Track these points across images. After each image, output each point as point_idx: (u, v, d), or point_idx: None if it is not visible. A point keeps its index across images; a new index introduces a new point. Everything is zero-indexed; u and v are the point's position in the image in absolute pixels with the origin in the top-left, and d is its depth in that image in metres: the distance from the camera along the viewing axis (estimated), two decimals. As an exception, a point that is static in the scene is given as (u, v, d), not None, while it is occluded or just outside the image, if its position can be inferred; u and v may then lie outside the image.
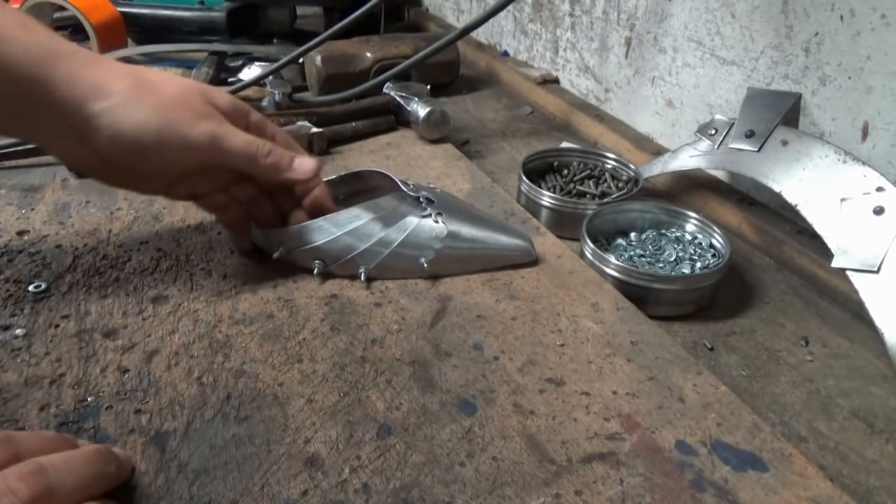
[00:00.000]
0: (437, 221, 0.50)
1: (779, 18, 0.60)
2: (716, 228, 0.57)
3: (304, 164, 0.48)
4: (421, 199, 0.51)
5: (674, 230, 0.60)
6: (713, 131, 0.63)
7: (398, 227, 0.49)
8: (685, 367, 0.42)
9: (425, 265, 0.49)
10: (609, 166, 0.69)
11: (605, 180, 0.68)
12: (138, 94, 0.41)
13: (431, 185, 0.57)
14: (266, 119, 0.50)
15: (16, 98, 0.39)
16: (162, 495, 0.32)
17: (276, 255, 0.48)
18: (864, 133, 0.55)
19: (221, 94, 0.46)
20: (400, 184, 0.52)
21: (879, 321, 0.46)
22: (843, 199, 0.51)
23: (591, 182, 0.68)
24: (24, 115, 0.40)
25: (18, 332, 0.42)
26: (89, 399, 0.38)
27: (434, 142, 0.75)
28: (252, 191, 0.49)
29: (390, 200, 0.51)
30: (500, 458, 0.35)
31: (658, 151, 0.74)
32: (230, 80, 0.91)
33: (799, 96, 0.59)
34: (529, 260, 0.53)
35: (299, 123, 0.72)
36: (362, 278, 0.49)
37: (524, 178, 0.64)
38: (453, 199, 0.55)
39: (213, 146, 0.43)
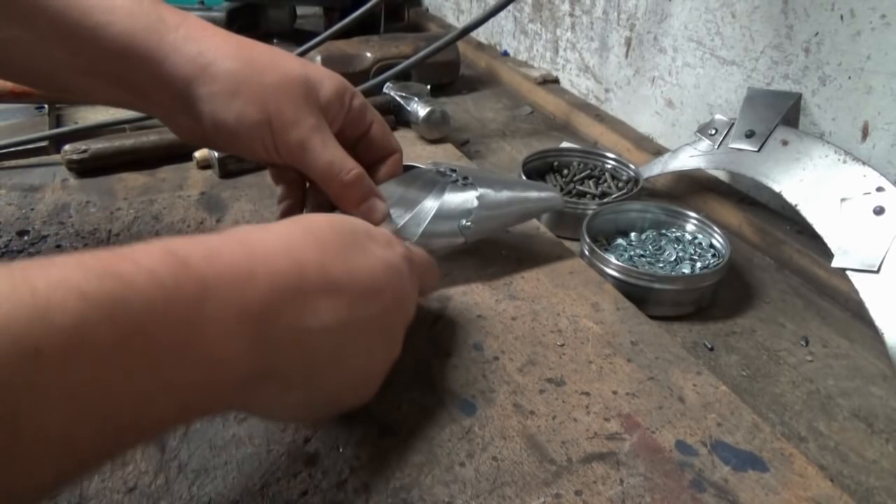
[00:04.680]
0: (466, 185, 0.49)
1: (779, 18, 0.60)
2: (716, 228, 0.57)
3: (372, 210, 0.45)
4: (445, 171, 0.51)
5: (674, 230, 0.60)
6: (713, 131, 0.63)
7: (433, 196, 0.48)
8: (685, 367, 0.42)
9: (468, 224, 0.47)
10: (609, 166, 0.69)
11: (605, 180, 0.68)
12: (241, 81, 0.40)
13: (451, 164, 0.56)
14: (367, 105, 0.48)
15: (127, 71, 0.39)
16: (162, 495, 0.32)
17: None
18: (865, 133, 0.55)
19: (326, 82, 0.44)
20: (423, 167, 0.51)
21: (879, 321, 0.46)
22: (843, 199, 0.51)
23: (591, 182, 0.68)
24: (137, 88, 0.41)
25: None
26: (89, 399, 0.37)
27: (434, 142, 0.75)
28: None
29: (418, 174, 0.50)
30: (500, 458, 0.35)
31: (658, 151, 0.74)
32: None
33: (799, 96, 0.59)
34: (560, 207, 0.54)
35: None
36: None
37: (524, 178, 0.64)
38: (473, 167, 0.54)
39: (297, 156, 0.42)
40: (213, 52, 0.40)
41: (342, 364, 0.32)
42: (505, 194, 0.50)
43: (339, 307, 0.30)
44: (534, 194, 0.52)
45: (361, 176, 0.44)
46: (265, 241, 0.30)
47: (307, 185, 0.48)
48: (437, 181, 0.49)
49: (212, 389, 0.26)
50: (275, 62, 0.42)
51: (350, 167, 0.43)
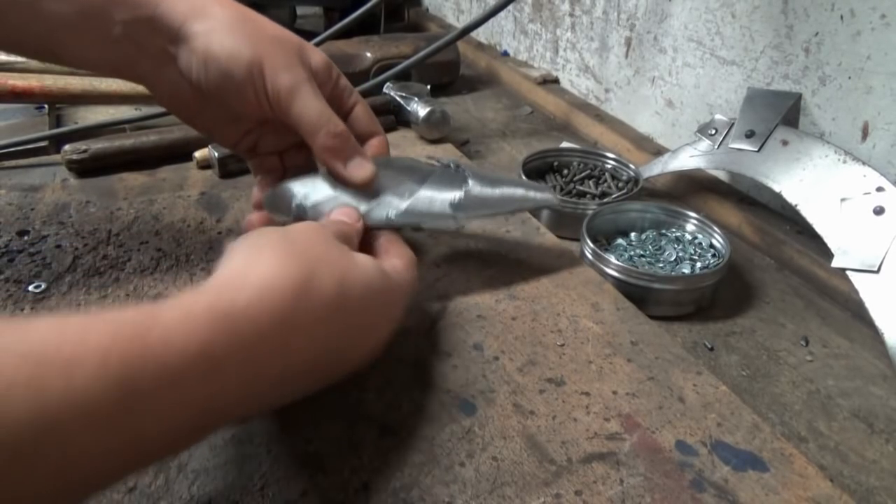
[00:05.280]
0: (457, 171, 0.48)
1: (779, 18, 0.60)
2: (716, 228, 0.57)
3: (360, 168, 0.44)
4: (437, 160, 0.50)
5: (674, 230, 0.60)
6: (713, 131, 0.63)
7: (421, 176, 0.46)
8: (685, 367, 0.42)
9: (458, 200, 0.46)
10: (609, 166, 0.69)
11: (605, 180, 0.68)
12: (238, 23, 0.41)
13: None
14: (353, 89, 0.47)
15: (118, 19, 0.40)
16: (162, 495, 0.32)
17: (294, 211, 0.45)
18: (865, 133, 0.55)
19: (316, 53, 0.44)
20: (419, 159, 0.50)
21: (879, 321, 0.46)
22: (843, 199, 0.51)
23: (591, 182, 0.68)
24: (127, 39, 0.41)
25: (18, 332, 0.42)
26: (89, 399, 0.37)
27: (434, 142, 0.75)
28: (302, 161, 0.48)
29: (410, 160, 0.49)
30: (500, 458, 0.35)
31: (658, 151, 0.74)
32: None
33: (799, 96, 0.59)
34: (553, 204, 0.51)
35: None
36: (392, 217, 0.45)
37: (524, 178, 0.64)
38: (469, 163, 0.53)
39: (287, 100, 0.41)
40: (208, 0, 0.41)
41: (367, 340, 0.35)
42: (495, 178, 0.49)
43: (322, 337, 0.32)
44: (525, 189, 0.50)
45: (347, 132, 0.43)
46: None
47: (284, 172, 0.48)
48: (427, 168, 0.48)
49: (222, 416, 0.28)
50: (271, 22, 0.43)
51: (338, 122, 0.43)
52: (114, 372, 0.22)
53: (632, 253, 0.57)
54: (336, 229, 0.38)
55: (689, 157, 0.64)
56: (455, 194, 0.47)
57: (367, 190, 0.45)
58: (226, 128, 0.46)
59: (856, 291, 0.48)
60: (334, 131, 0.42)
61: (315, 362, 0.32)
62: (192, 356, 0.24)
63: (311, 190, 0.45)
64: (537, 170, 0.70)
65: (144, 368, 0.23)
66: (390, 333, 0.38)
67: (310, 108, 0.42)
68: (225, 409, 0.27)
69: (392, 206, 0.45)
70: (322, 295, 0.31)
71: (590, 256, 0.54)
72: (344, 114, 0.47)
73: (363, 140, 0.47)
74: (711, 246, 0.57)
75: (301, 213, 0.45)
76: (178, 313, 0.25)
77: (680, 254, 0.56)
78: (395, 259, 0.40)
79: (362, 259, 0.36)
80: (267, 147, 0.48)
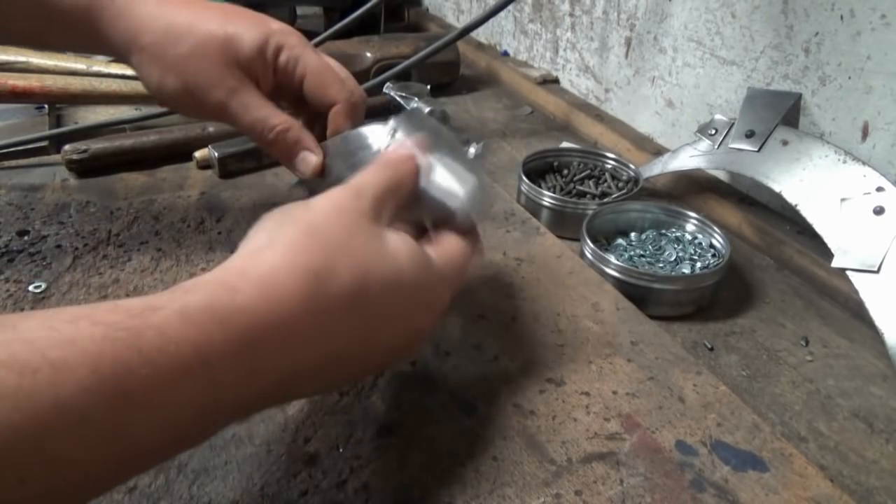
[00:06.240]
0: (392, 137, 0.41)
1: (779, 18, 0.60)
2: (716, 228, 0.57)
3: (303, 163, 0.42)
4: (394, 129, 0.41)
5: (674, 230, 0.60)
6: (713, 131, 0.63)
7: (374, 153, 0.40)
8: (685, 367, 0.42)
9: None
10: (609, 166, 0.69)
11: (605, 180, 0.68)
12: (161, 48, 0.42)
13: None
14: (301, 57, 0.43)
15: (83, 39, 0.44)
16: (162, 495, 0.32)
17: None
18: (864, 133, 0.55)
19: (246, 38, 0.42)
20: (379, 125, 0.42)
21: (879, 321, 0.46)
22: (843, 199, 0.51)
23: (591, 182, 0.68)
24: (100, 50, 0.46)
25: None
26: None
27: (434, 142, 0.75)
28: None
29: (369, 132, 0.41)
30: (500, 458, 0.35)
31: (658, 151, 0.74)
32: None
33: (799, 96, 0.59)
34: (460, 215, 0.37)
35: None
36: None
37: (524, 177, 0.64)
38: (432, 122, 0.44)
39: (222, 117, 0.43)
40: (140, 23, 0.42)
41: (391, 342, 0.32)
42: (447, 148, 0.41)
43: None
44: (447, 183, 0.38)
45: (285, 132, 0.42)
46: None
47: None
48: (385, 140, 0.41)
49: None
50: (193, 26, 0.42)
51: (273, 125, 0.42)
52: (105, 379, 0.21)
53: (632, 253, 0.57)
54: (376, 193, 0.32)
55: (689, 157, 0.64)
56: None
57: (320, 175, 0.42)
58: (182, 113, 0.50)
59: (856, 291, 0.48)
60: (268, 139, 0.42)
61: (326, 365, 0.29)
62: (187, 359, 0.23)
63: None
64: (537, 170, 0.70)
65: (137, 374, 0.22)
66: (428, 331, 0.34)
67: (243, 121, 0.42)
68: (222, 412, 0.26)
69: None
70: (338, 292, 0.28)
71: (590, 256, 0.54)
72: (295, 90, 0.44)
73: (327, 110, 0.44)
74: (711, 246, 0.57)
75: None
76: (172, 312, 0.24)
77: (680, 254, 0.56)
78: (448, 242, 0.35)
79: (397, 243, 0.31)
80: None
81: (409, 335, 0.32)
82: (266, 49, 0.42)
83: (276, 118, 0.42)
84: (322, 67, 0.44)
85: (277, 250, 0.28)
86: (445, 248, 0.35)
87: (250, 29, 0.42)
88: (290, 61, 0.43)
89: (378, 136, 0.40)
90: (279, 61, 0.43)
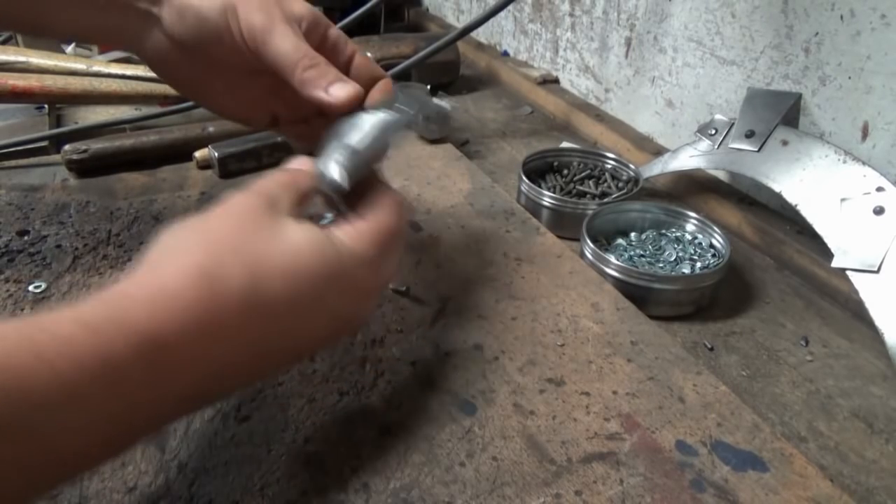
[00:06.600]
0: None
1: (779, 18, 0.60)
2: (716, 228, 0.57)
3: (342, 88, 0.40)
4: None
5: (674, 230, 0.60)
6: (713, 131, 0.63)
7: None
8: (685, 367, 0.42)
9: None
10: (609, 166, 0.69)
11: (605, 180, 0.68)
12: None
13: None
14: (347, 40, 0.44)
15: None
16: (162, 495, 0.32)
17: None
18: (864, 133, 0.55)
19: (299, 3, 0.42)
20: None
21: (879, 321, 0.46)
22: (843, 199, 0.51)
23: (591, 182, 0.68)
24: (112, 2, 0.41)
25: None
26: (89, 399, 0.37)
27: (434, 142, 0.75)
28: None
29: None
30: (500, 458, 0.35)
31: (658, 151, 0.74)
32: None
33: (799, 96, 0.59)
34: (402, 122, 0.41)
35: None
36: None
37: (524, 178, 0.64)
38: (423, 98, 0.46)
39: (262, 38, 0.40)
40: None
41: (304, 335, 0.31)
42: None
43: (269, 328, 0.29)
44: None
45: (328, 63, 0.40)
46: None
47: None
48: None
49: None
50: None
51: (316, 55, 0.40)
52: (9, 387, 0.21)
53: (632, 253, 0.57)
54: (269, 189, 0.32)
55: (689, 157, 0.64)
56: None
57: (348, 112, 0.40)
58: (222, 97, 0.46)
59: (856, 291, 0.48)
60: (310, 63, 0.40)
61: (240, 362, 0.28)
62: (93, 369, 0.23)
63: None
64: (537, 170, 0.70)
65: (43, 383, 0.22)
66: (358, 315, 0.33)
67: (284, 44, 0.40)
68: (140, 419, 0.25)
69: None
70: (231, 287, 0.27)
71: (590, 256, 0.54)
72: (342, 65, 0.44)
73: (368, 88, 0.44)
74: (711, 246, 0.57)
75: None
76: (76, 325, 0.23)
77: (680, 254, 0.56)
78: (360, 223, 0.33)
79: (296, 233, 0.30)
80: (288, 116, 0.47)
81: (334, 322, 0.32)
82: (317, 19, 0.43)
83: (316, 53, 0.40)
84: (367, 57, 0.46)
85: (170, 257, 0.28)
86: (357, 227, 0.33)
87: (304, 2, 0.43)
88: (341, 38, 0.44)
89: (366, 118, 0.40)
90: (329, 35, 0.43)
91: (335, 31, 0.44)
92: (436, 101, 0.43)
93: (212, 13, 0.40)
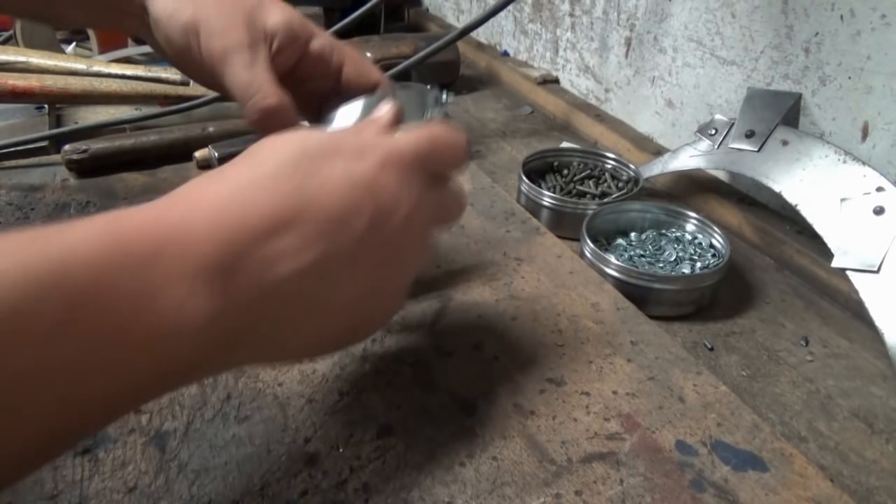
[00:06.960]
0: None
1: (779, 18, 0.60)
2: (716, 228, 0.57)
3: (256, 104, 0.39)
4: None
5: (674, 230, 0.60)
6: (713, 131, 0.63)
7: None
8: (685, 367, 0.42)
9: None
10: (609, 166, 0.69)
11: (605, 180, 0.68)
12: None
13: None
14: (335, 49, 0.43)
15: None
16: (162, 495, 0.32)
17: None
18: (864, 133, 0.55)
19: (277, 13, 0.40)
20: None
21: (879, 321, 0.46)
22: (843, 199, 0.51)
23: (591, 182, 0.68)
24: (111, 13, 0.43)
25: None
26: (89, 399, 0.37)
27: (434, 142, 0.75)
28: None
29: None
30: (500, 458, 0.35)
31: (658, 151, 0.74)
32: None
33: (799, 96, 0.59)
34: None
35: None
36: None
37: (524, 178, 0.64)
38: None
39: (218, 68, 0.39)
40: None
41: (335, 301, 0.28)
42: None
43: (300, 245, 0.26)
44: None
45: (280, 107, 0.39)
46: (212, 190, 0.27)
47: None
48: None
49: (179, 358, 0.24)
50: None
51: (270, 93, 0.38)
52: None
53: (632, 253, 0.57)
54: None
55: (689, 157, 0.64)
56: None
57: None
58: (180, 63, 0.44)
59: (856, 291, 0.48)
60: (259, 105, 0.38)
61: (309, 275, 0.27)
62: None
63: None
64: (537, 170, 0.70)
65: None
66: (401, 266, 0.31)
67: (237, 77, 0.38)
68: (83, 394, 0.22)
69: None
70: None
71: (590, 256, 0.54)
72: (329, 78, 0.43)
73: (362, 91, 0.43)
74: (711, 246, 0.57)
75: None
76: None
77: (680, 254, 0.56)
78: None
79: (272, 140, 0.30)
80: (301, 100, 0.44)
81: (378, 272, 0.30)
82: (297, 31, 0.41)
83: (278, 90, 0.39)
84: (357, 55, 0.44)
85: (221, 180, 0.28)
86: (410, 149, 0.32)
87: (284, 10, 0.41)
88: (327, 48, 0.43)
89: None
90: (312, 46, 0.42)
91: (320, 41, 0.42)
92: (434, 90, 0.43)
93: (174, 33, 0.39)
